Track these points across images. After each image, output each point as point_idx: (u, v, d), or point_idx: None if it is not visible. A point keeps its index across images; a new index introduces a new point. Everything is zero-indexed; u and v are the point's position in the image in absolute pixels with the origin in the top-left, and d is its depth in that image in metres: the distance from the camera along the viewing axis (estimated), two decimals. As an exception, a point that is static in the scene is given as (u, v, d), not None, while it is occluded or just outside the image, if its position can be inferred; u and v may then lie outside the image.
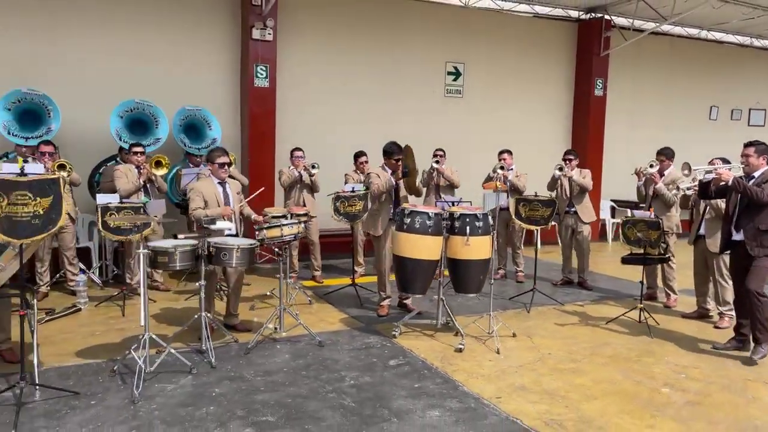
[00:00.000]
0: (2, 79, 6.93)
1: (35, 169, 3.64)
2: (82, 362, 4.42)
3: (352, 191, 6.45)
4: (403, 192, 5.70)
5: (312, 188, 7.21)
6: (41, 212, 3.56)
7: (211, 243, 4.49)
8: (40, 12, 7.38)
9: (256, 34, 8.23)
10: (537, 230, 6.37)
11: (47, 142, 6.23)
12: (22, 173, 3.55)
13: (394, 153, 5.60)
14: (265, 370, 4.35)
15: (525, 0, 10.21)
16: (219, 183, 5.09)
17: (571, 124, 11.26)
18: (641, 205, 6.33)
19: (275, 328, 5.09)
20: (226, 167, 5.12)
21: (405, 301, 5.95)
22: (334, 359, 4.60)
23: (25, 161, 6.61)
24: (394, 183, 5.54)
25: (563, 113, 11.21)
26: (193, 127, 7.89)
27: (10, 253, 3.73)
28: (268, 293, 6.47)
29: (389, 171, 5.68)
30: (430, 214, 4.84)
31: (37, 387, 3.85)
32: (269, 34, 8.31)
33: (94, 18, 7.67)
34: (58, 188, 3.61)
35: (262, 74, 8.38)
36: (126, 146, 6.89)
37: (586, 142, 10.80)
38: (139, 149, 6.43)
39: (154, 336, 4.16)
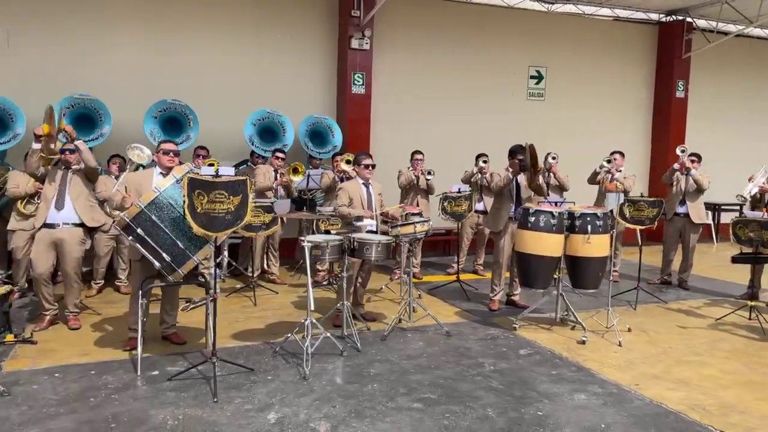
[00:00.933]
0: (150, 91, 7.63)
1: (227, 171, 4.13)
2: (242, 344, 4.93)
3: (458, 192, 6.82)
4: (527, 192, 5.96)
5: (427, 191, 7.59)
6: (232, 209, 4.06)
7: (354, 238, 4.93)
8: (180, 34, 8.16)
9: (354, 43, 8.72)
10: (639, 230, 6.58)
11: (202, 147, 6.95)
12: (217, 175, 4.05)
13: (516, 153, 5.90)
14: (406, 355, 4.76)
15: (606, 4, 10.38)
16: (363, 184, 5.54)
17: (650, 126, 11.34)
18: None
19: (399, 319, 5.48)
20: (371, 168, 5.56)
21: (513, 298, 6.27)
22: (466, 347, 4.97)
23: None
24: (512, 179, 5.84)
25: (643, 115, 11.31)
26: (318, 134, 8.47)
27: (207, 249, 4.26)
28: (382, 288, 6.89)
29: (511, 170, 5.97)
30: (554, 213, 5.16)
31: (215, 364, 4.35)
32: (366, 43, 8.77)
33: (222, 39, 8.39)
34: (246, 189, 4.10)
35: (358, 81, 8.85)
36: (258, 151, 7.59)
37: (666, 143, 10.86)
38: (281, 155, 7.09)
39: (314, 321, 4.61)
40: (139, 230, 4.20)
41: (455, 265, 7.85)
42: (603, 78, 10.87)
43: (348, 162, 7.24)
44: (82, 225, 5.27)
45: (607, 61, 10.89)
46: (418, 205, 7.30)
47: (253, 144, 7.83)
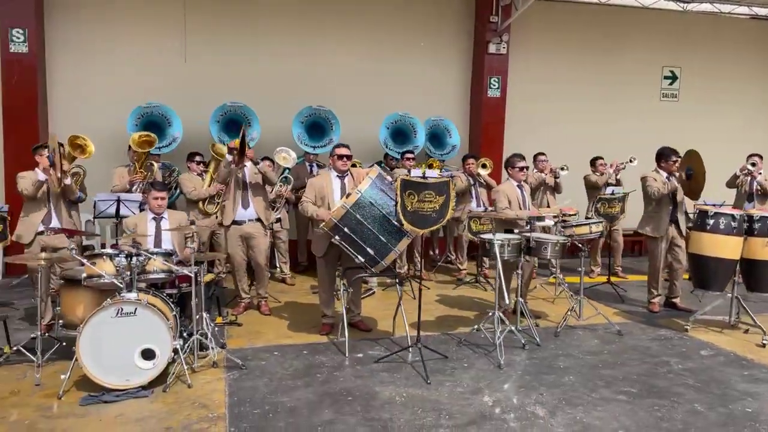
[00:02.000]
0: (296, 97, 8.21)
1: (433, 174, 4.50)
2: (426, 334, 5.28)
3: (612, 194, 6.89)
4: (680, 196, 5.98)
5: (555, 190, 7.73)
6: (437, 208, 4.42)
7: (532, 237, 5.17)
8: (323, 42, 8.69)
9: (491, 48, 8.95)
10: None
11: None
12: (424, 177, 4.42)
13: (669, 156, 5.93)
14: (586, 351, 4.94)
15: (744, 2, 10.00)
16: (518, 186, 5.77)
17: (792, 126, 10.81)
18: None
19: (563, 317, 5.64)
20: (525, 171, 5.79)
21: (674, 300, 6.27)
22: (644, 346, 5.07)
23: (312, 166, 7.90)
24: (677, 186, 5.87)
25: (784, 116, 10.79)
26: (436, 136, 8.79)
27: (405, 241, 4.65)
28: (536, 286, 7.06)
29: (664, 174, 6.01)
30: (735, 215, 5.16)
31: (410, 351, 4.72)
32: (504, 47, 8.98)
33: (360, 46, 8.85)
34: (449, 189, 4.45)
35: (494, 85, 9.08)
36: (392, 153, 7.97)
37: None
38: (410, 155, 7.44)
39: (500, 315, 4.89)
40: (345, 229, 4.64)
41: (596, 268, 7.91)
42: (740, 77, 10.48)
43: (484, 166, 7.49)
44: (259, 221, 5.84)
45: (744, 61, 10.49)
46: (548, 205, 7.40)
47: (387, 147, 8.25)
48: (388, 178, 4.89)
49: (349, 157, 5.21)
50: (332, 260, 5.19)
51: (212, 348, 4.42)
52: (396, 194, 4.35)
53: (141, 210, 6.12)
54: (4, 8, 7.17)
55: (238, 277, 5.84)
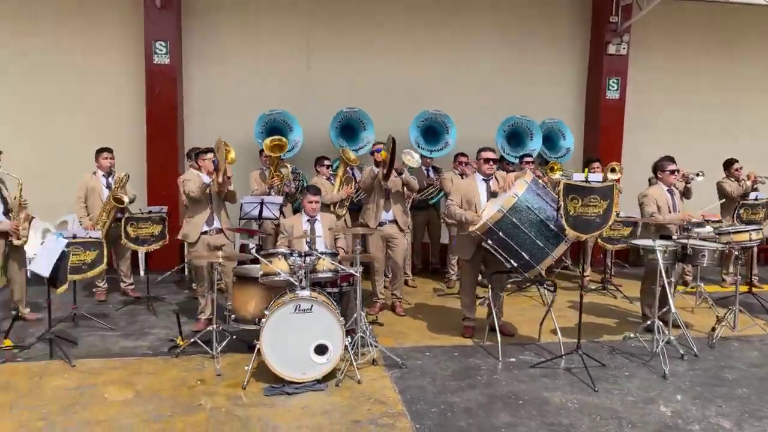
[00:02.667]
0: (410, 102, 8.33)
1: (597, 177, 4.46)
2: (570, 340, 5.19)
3: (756, 200, 6.55)
4: None
5: (684, 195, 7.41)
6: (601, 213, 4.35)
7: (689, 244, 4.98)
8: (440, 45, 8.77)
9: (611, 49, 8.71)
10: None
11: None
12: (587, 181, 4.38)
13: None
14: (748, 363, 4.72)
15: None
16: (668, 190, 5.59)
17: None
18: None
19: (717, 328, 5.40)
20: (676, 174, 5.61)
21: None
22: (814, 361, 4.79)
23: (428, 170, 7.97)
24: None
25: None
26: (549, 138, 8.66)
27: (563, 246, 4.62)
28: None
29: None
30: None
31: (563, 358, 4.66)
32: (624, 48, 8.73)
33: (481, 50, 8.86)
34: (613, 194, 4.38)
35: (613, 87, 8.84)
36: (508, 157, 7.93)
37: None
38: (529, 159, 7.39)
39: (660, 324, 4.76)
40: (500, 233, 4.65)
41: (727, 277, 7.54)
42: None
43: (613, 170, 7.32)
44: (396, 223, 5.95)
45: None
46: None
47: (504, 151, 8.17)
48: (540, 182, 4.88)
49: (495, 161, 5.23)
50: (477, 264, 5.23)
51: (372, 345, 4.55)
52: (559, 198, 4.33)
53: (280, 212, 6.42)
54: (150, 22, 7.69)
55: (376, 278, 5.99)
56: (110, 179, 6.22)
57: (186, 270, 7.82)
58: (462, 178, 6.82)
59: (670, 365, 4.55)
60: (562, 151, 8.57)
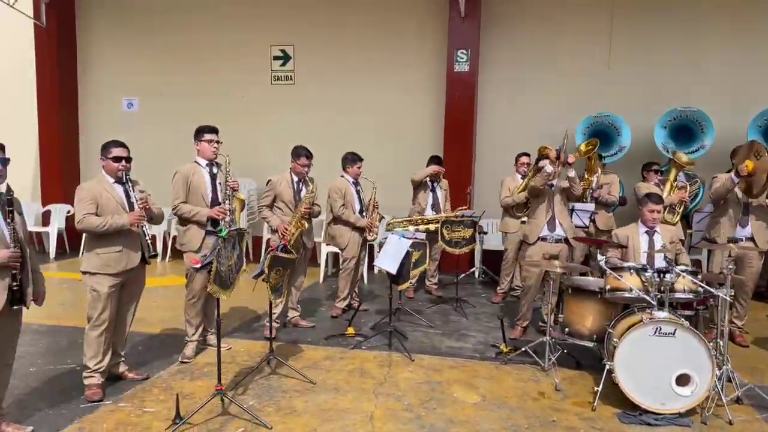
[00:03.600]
0: (654, 100, 7.42)
1: None
2: None
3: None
4: None
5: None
6: None
7: None
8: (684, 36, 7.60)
9: None
10: None
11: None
12: None
13: None
14: None
15: None
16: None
17: None
18: None
19: None
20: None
21: None
22: None
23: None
24: None
25: None
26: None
27: None
28: None
29: None
30: None
31: None
32: None
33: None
34: None
35: None
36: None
37: None
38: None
39: None
40: None
41: None
42: None
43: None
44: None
45: None
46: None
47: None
48: None
49: None
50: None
51: (737, 383, 3.92)
52: None
53: (591, 220, 6.04)
54: (454, 32, 7.99)
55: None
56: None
57: (476, 273, 7.98)
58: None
59: None
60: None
